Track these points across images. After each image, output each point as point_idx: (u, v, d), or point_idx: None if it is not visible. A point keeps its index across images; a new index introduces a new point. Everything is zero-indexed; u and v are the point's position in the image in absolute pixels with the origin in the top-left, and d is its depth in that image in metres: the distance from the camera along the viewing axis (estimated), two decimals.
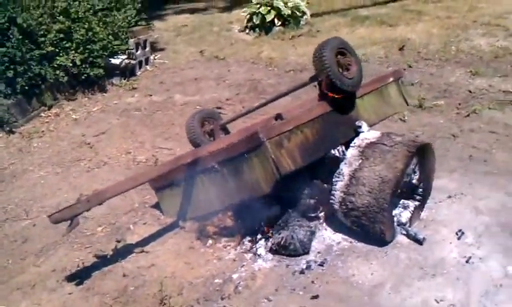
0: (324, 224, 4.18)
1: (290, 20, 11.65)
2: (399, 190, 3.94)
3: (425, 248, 3.83)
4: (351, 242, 3.97)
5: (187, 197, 4.26)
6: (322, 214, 4.21)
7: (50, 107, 7.45)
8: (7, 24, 6.73)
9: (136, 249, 4.13)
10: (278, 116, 4.49)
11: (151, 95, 7.96)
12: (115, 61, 8.45)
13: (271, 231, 4.06)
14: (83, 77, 7.95)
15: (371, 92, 4.50)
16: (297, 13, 11.75)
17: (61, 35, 7.62)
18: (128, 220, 4.58)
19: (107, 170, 5.54)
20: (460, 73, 7.69)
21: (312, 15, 12.11)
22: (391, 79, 4.73)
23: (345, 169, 3.95)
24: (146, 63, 9.45)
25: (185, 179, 4.20)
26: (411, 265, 3.67)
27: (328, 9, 13.23)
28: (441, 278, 3.53)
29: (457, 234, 3.95)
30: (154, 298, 3.58)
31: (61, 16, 7.69)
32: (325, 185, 4.11)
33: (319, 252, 3.92)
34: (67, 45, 7.68)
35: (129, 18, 9.11)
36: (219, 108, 7.02)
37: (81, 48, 7.85)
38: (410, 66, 8.19)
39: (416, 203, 4.18)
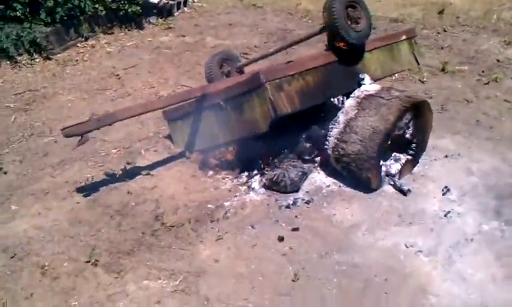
0: (319, 168, 4.40)
1: None
2: (390, 142, 4.10)
3: (408, 199, 4.03)
4: (339, 186, 4.20)
5: (195, 130, 4.56)
6: (318, 158, 4.42)
7: (86, 39, 7.80)
8: None
9: (142, 172, 4.47)
10: (289, 63, 4.68)
11: (184, 36, 8.22)
12: (153, 0, 8.70)
13: (266, 168, 4.31)
14: (121, 13, 8.21)
15: (381, 47, 4.63)
16: None
17: None
18: (141, 146, 4.91)
19: (129, 101, 5.87)
20: (493, 42, 7.63)
21: None
22: (403, 37, 4.84)
23: (341, 117, 4.15)
24: (185, 5, 9.68)
25: (194, 112, 4.48)
26: (391, 212, 3.88)
27: None
28: (416, 227, 3.74)
29: (443, 190, 4.12)
30: (151, 214, 3.93)
31: None
32: (322, 130, 4.31)
33: (307, 192, 4.17)
34: None
35: None
36: (246, 53, 7.22)
37: None
38: (445, 31, 8.17)
39: (409, 157, 4.35)
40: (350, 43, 4.11)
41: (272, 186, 4.20)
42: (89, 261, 3.46)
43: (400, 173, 4.29)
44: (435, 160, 4.52)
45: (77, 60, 7.12)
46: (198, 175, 4.44)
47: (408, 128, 4.22)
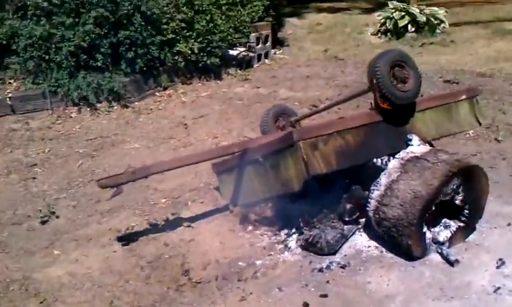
0: (362, 230, 4.17)
1: (425, 27, 11.31)
2: (436, 208, 3.82)
3: (455, 270, 3.68)
4: (381, 252, 3.94)
5: (238, 184, 4.51)
6: (362, 220, 4.20)
7: (165, 88, 8.12)
8: (132, 11, 7.48)
9: (184, 223, 4.48)
10: (340, 119, 4.57)
11: (258, 87, 8.32)
12: (233, 52, 8.95)
13: (305, 227, 4.16)
14: (200, 65, 8.49)
15: (436, 107, 4.38)
16: (433, 20, 11.37)
17: (183, 24, 8.24)
18: (190, 197, 4.95)
19: (190, 150, 5.98)
20: None
21: (451, 25, 11.62)
22: (463, 97, 4.55)
23: (383, 179, 3.94)
24: (266, 57, 9.84)
25: (237, 167, 4.46)
26: (432, 284, 3.56)
27: (471, 19, 12.57)
28: (458, 302, 3.39)
29: (497, 263, 3.73)
30: (180, 268, 3.89)
31: (185, 7, 8.31)
32: (366, 192, 4.10)
33: (345, 255, 3.96)
34: (188, 34, 8.28)
35: (253, 13, 9.52)
36: (315, 106, 7.15)
37: (201, 38, 8.41)
38: None
39: (460, 224, 4.01)
40: (395, 104, 3.91)
41: (308, 247, 4.03)
42: None
43: (450, 241, 3.95)
44: (495, 228, 4.13)
45: (151, 109, 7.40)
46: (237, 230, 4.37)
47: (458, 193, 3.90)
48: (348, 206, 4.13)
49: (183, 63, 8.25)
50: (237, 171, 4.50)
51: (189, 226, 4.47)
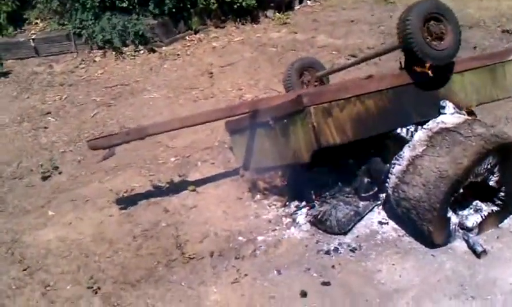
0: (381, 208, 3.71)
1: None
2: (466, 189, 3.30)
3: (481, 263, 3.20)
4: (398, 235, 3.49)
5: (250, 147, 4.11)
6: (382, 196, 3.74)
7: (196, 32, 7.67)
8: None
9: (189, 187, 4.14)
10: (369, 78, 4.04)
11: (296, 32, 7.73)
12: None
13: (317, 200, 3.74)
14: (235, 6, 7.95)
15: (477, 68, 3.77)
16: None
17: None
18: (201, 156, 4.60)
19: (211, 103, 5.58)
20: None
21: None
22: None
23: (407, 152, 3.44)
24: None
25: (250, 128, 4.05)
26: (451, 278, 3.10)
27: None
28: (479, 303, 2.93)
29: None
30: (175, 239, 3.58)
31: None
32: (387, 165, 3.61)
33: (357, 236, 3.53)
34: None
35: None
36: (353, 56, 6.56)
37: None
38: None
39: (494, 208, 3.48)
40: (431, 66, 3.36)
41: (317, 224, 3.62)
42: (91, 287, 3.21)
43: (481, 226, 3.45)
44: None
45: (178, 54, 6.99)
46: (244, 198, 4.01)
47: (493, 174, 3.35)
48: (365, 180, 3.68)
49: (215, 5, 7.68)
50: (249, 133, 4.09)
51: (194, 191, 4.13)
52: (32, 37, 6.92)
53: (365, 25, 7.95)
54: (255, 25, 8.14)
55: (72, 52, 6.97)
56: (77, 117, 5.45)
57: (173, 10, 7.30)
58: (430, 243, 3.32)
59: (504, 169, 3.35)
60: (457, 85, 3.69)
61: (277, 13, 8.45)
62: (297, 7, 8.82)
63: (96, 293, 3.19)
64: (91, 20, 6.90)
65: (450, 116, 3.52)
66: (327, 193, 3.75)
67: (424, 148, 3.36)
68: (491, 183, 3.39)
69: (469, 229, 3.41)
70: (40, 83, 6.30)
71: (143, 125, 3.97)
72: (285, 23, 8.18)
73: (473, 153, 3.18)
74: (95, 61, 6.84)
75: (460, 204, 3.49)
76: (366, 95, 3.41)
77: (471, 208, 3.49)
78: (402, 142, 3.53)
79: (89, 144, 3.58)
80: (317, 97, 3.30)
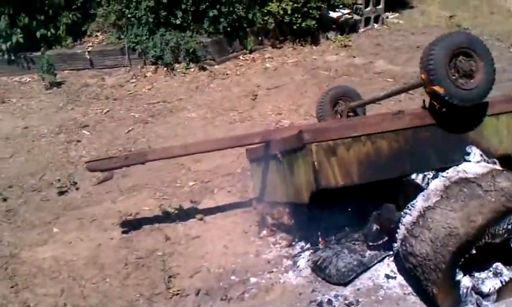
0: (391, 259, 3.35)
1: None
2: (482, 250, 2.89)
3: None
4: (404, 293, 3.12)
5: (264, 178, 3.91)
6: (396, 245, 3.37)
7: (251, 51, 7.53)
8: None
9: (197, 215, 3.98)
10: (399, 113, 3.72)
11: (354, 57, 7.41)
12: (334, 14, 8.05)
13: (321, 244, 3.45)
14: (294, 27, 7.75)
15: None
16: None
17: None
18: (220, 183, 4.43)
19: (246, 127, 5.40)
20: None
21: None
22: None
23: (419, 202, 3.07)
24: (376, 21, 8.78)
25: (264, 158, 3.85)
26: None
27: None
28: None
29: None
30: (164, 272, 3.41)
31: None
32: (401, 213, 3.25)
33: (358, 289, 3.19)
34: None
35: None
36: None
37: None
38: None
39: None
40: (455, 105, 3.00)
41: (317, 271, 3.32)
42: None
43: (500, 293, 3.00)
44: None
45: (227, 74, 6.88)
46: (250, 233, 3.78)
47: None
48: (375, 227, 3.32)
49: (273, 25, 7.51)
50: (263, 163, 3.88)
51: (201, 219, 3.95)
52: (88, 49, 7.05)
53: None
54: (314, 46, 7.90)
55: (125, 66, 7.03)
56: (112, 132, 5.45)
57: (228, 29, 7.18)
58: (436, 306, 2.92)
59: None
60: (490, 129, 3.29)
61: (339, 36, 8.15)
62: (361, 30, 8.48)
63: None
64: (145, 35, 6.96)
65: (474, 165, 3.12)
66: (333, 237, 3.43)
67: (438, 199, 2.99)
68: None
69: (484, 295, 2.98)
70: (87, 95, 6.40)
71: (144, 150, 3.85)
72: (346, 46, 7.88)
73: (490, 211, 2.77)
74: (145, 76, 6.87)
75: (480, 264, 3.06)
76: (378, 134, 3.09)
77: (490, 271, 3.05)
78: (416, 189, 3.16)
79: (87, 166, 3.50)
80: (320, 133, 3.05)
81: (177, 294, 3.24)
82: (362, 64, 7.11)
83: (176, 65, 7.00)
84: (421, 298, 3.03)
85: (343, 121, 3.72)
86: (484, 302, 2.94)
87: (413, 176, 3.19)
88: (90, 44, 7.23)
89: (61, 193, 4.39)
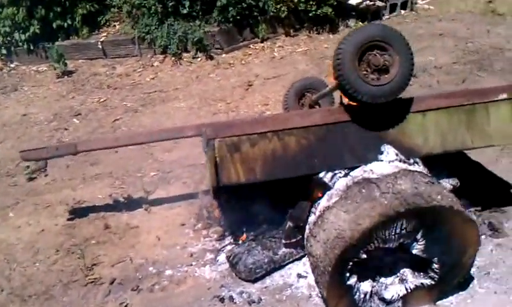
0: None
1: None
2: (364, 256, 2.75)
3: None
4: (310, 294, 3.06)
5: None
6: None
7: (263, 40, 7.46)
8: None
9: (144, 205, 4.04)
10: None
11: None
12: (353, 1, 7.80)
13: (240, 240, 3.43)
14: (310, 14, 7.60)
15: (447, 108, 3.15)
16: None
17: None
18: (180, 174, 4.47)
19: (228, 117, 5.39)
20: None
21: None
22: (503, 96, 3.18)
23: (323, 201, 2.99)
24: (404, 7, 8.43)
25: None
26: None
27: None
28: None
29: None
30: (90, 260, 3.51)
31: None
32: (313, 209, 3.16)
33: (266, 287, 3.14)
34: None
35: None
36: (414, 76, 5.88)
37: None
38: None
39: (427, 281, 2.86)
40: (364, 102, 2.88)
41: (230, 265, 3.29)
42: None
43: (405, 301, 2.87)
44: (494, 292, 2.88)
45: (231, 63, 6.88)
46: (188, 225, 3.80)
47: (416, 241, 2.75)
48: (289, 225, 3.24)
49: (285, 13, 7.40)
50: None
51: (146, 210, 4.01)
52: (101, 39, 7.27)
53: (452, 39, 7.13)
54: (331, 35, 7.72)
55: (135, 56, 7.18)
56: (99, 121, 5.61)
57: (238, 18, 7.15)
58: None
59: (431, 238, 2.72)
60: (413, 126, 3.10)
61: (360, 23, 7.89)
62: (386, 16, 8.16)
63: None
64: (154, 25, 7.06)
65: (383, 165, 2.97)
66: (251, 232, 3.39)
67: (337, 199, 2.88)
68: (414, 251, 2.78)
69: (388, 302, 2.85)
70: (92, 84, 6.62)
71: (74, 141, 3.93)
72: None
73: (378, 214, 2.63)
74: (152, 65, 7.00)
75: (391, 269, 2.92)
76: (287, 131, 3.01)
77: (397, 277, 2.90)
78: (324, 188, 3.05)
79: (21, 155, 3.63)
80: (224, 129, 3.01)
81: (92, 282, 3.32)
82: None
83: (184, 54, 7.05)
84: (324, 300, 2.91)
85: (255, 117, 3.62)
86: None
87: (322, 174, 3.05)
88: (105, 34, 7.42)
89: (30, 179, 4.58)
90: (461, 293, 2.90)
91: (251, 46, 7.37)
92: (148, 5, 7.02)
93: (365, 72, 2.86)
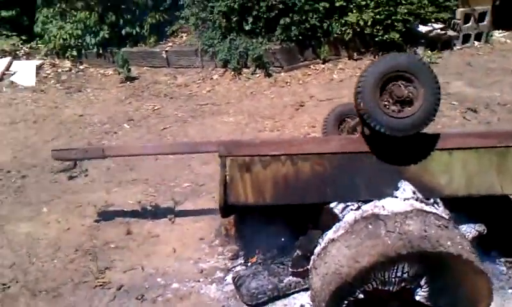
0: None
1: None
2: (361, 296, 2.61)
3: None
4: None
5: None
6: None
7: (325, 61, 7.39)
8: None
9: (169, 216, 4.09)
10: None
11: None
12: (423, 28, 7.56)
13: (250, 262, 3.37)
14: (376, 39, 7.44)
15: (477, 148, 2.97)
16: None
17: None
18: (211, 188, 4.45)
19: (272, 136, 5.36)
20: None
21: None
22: None
23: (330, 233, 2.89)
24: (478, 39, 8.05)
25: None
26: None
27: None
28: None
29: None
30: (104, 264, 3.58)
31: None
32: (320, 239, 3.06)
33: None
34: (363, 3, 7.27)
35: None
36: (472, 110, 5.65)
37: (380, 8, 7.29)
38: None
39: None
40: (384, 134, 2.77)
41: (235, 287, 3.25)
42: (5, 285, 3.41)
43: None
44: None
45: (288, 82, 6.86)
46: (206, 240, 3.80)
47: (420, 287, 2.59)
48: (297, 253, 3.16)
49: (350, 35, 7.29)
50: None
51: (170, 220, 4.04)
52: (166, 49, 7.48)
53: None
54: None
55: (197, 67, 7.32)
56: (149, 128, 5.75)
57: (300, 37, 7.12)
58: None
59: (434, 285, 2.55)
60: (438, 164, 2.94)
61: (429, 51, 7.63)
62: (458, 47, 7.83)
63: (3, 290, 3.36)
64: (217, 39, 7.17)
65: (397, 201, 2.82)
66: (262, 255, 3.32)
67: (343, 232, 2.77)
68: (418, 298, 2.61)
69: None
70: (151, 92, 6.81)
71: (105, 145, 4.02)
72: (432, 62, 7.34)
73: (378, 254, 2.50)
74: (212, 78, 7.10)
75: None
76: (301, 156, 2.95)
77: None
78: (334, 219, 2.95)
79: (52, 154, 3.76)
80: (237, 148, 2.99)
81: (101, 285, 3.36)
82: None
83: (244, 70, 7.10)
84: None
85: (270, 139, 3.54)
86: None
87: (334, 204, 2.95)
88: (171, 44, 7.62)
89: (70, 178, 4.74)
90: None
91: (312, 66, 7.30)
92: (213, 19, 7.12)
93: (386, 103, 2.73)
